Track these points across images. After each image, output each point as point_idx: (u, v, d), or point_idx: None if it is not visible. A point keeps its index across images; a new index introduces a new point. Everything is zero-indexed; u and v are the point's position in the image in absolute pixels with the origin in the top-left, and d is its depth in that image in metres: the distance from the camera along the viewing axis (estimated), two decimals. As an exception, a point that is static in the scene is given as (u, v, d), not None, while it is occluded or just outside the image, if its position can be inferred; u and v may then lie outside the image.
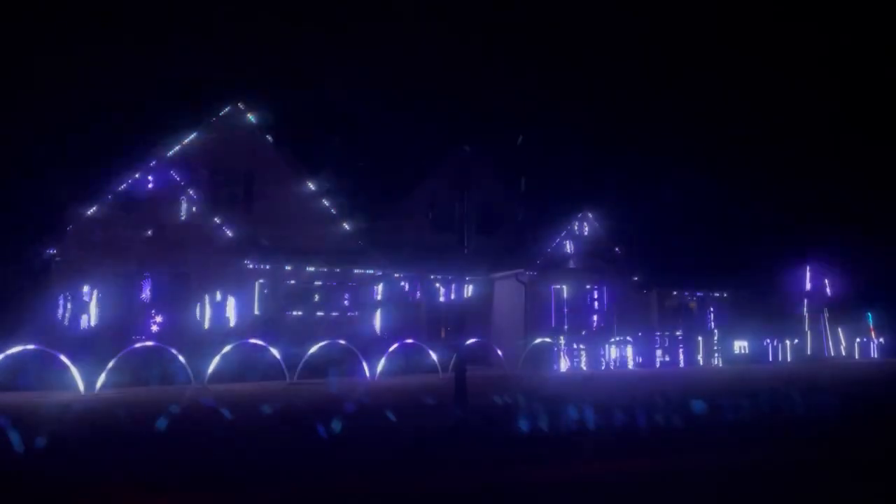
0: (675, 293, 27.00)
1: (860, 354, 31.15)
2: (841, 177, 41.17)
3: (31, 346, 14.68)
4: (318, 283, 20.60)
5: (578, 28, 54.51)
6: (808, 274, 31.41)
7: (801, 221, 32.72)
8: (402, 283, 22.50)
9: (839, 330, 31.13)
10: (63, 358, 14.73)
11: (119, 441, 8.93)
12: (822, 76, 55.97)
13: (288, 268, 20.03)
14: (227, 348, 16.78)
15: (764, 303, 28.01)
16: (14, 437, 8.52)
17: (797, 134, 50.67)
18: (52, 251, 19.41)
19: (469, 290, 23.47)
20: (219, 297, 19.16)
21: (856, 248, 30.40)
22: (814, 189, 36.39)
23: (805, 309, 30.76)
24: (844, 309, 31.07)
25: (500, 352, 21.60)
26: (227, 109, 20.61)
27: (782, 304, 29.38)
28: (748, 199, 33.14)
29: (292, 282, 20.23)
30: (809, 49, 57.40)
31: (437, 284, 23.02)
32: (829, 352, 30.52)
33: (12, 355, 14.35)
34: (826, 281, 31.54)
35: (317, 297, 20.62)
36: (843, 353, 30.84)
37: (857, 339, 31.36)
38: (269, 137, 21.03)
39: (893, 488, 6.79)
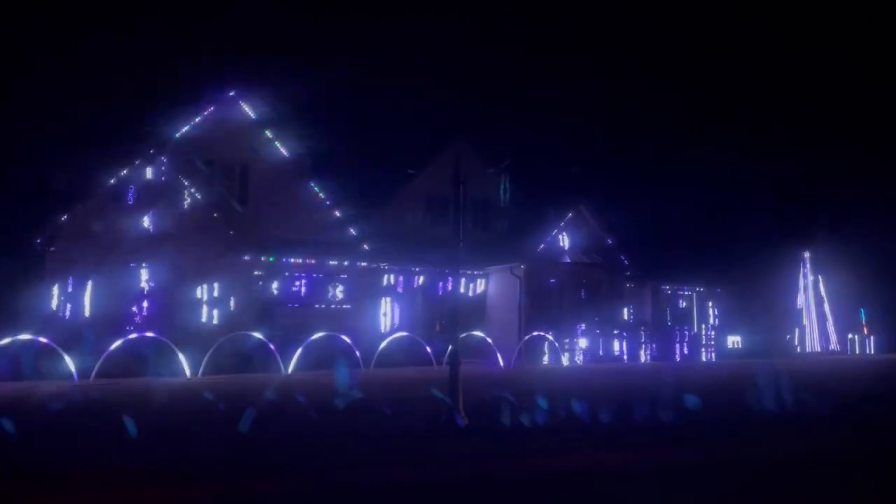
0: (669, 287, 27.08)
1: (855, 350, 31.34)
2: (838, 173, 41.31)
3: (26, 336, 14.71)
4: (313, 275, 20.62)
5: (574, 21, 54.51)
6: (802, 270, 31.55)
7: (797, 217, 32.86)
8: (397, 276, 22.51)
9: (833, 326, 31.30)
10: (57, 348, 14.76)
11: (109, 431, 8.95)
12: (829, 74, 56.06)
13: (283, 259, 20.03)
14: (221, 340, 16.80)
15: (759, 298, 28.15)
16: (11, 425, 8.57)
17: (795, 128, 50.81)
18: (46, 242, 19.43)
19: (464, 284, 23.50)
20: (215, 288, 19.16)
21: (851, 245, 30.55)
22: (811, 184, 36.49)
23: (800, 304, 30.92)
24: (838, 305, 31.26)
25: (495, 345, 21.65)
26: (222, 101, 20.58)
27: (777, 299, 29.52)
28: (744, 194, 33.26)
29: (287, 274, 20.24)
30: (821, 43, 57.47)
31: (433, 278, 23.04)
32: (824, 347, 30.68)
33: (4, 346, 14.35)
34: (820, 277, 31.69)
35: (312, 289, 20.63)
36: (838, 349, 31.01)
37: (850, 335, 31.55)
38: (265, 130, 21.02)
39: None
